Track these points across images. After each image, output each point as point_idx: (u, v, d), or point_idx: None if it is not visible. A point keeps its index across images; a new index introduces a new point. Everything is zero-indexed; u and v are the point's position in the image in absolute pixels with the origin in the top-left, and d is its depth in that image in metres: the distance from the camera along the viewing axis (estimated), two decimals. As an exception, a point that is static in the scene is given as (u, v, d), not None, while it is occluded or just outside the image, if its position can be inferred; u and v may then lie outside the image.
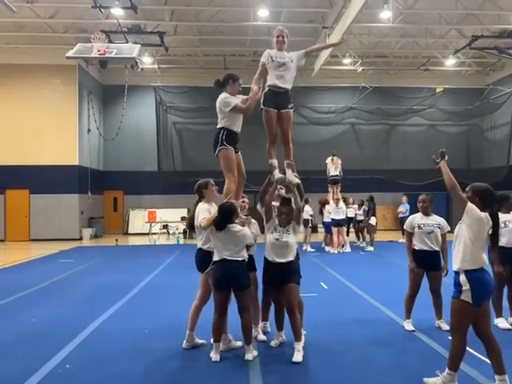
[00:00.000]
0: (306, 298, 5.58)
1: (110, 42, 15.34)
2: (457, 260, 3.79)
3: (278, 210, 4.92)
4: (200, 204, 4.89)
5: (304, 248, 13.69)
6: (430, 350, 4.85)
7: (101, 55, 14.21)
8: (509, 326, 5.58)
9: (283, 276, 4.74)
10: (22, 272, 10.84)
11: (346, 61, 20.50)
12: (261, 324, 5.37)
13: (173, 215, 20.34)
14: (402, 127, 22.92)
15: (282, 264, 4.77)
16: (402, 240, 14.56)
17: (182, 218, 19.27)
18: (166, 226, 20.45)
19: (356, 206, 15.05)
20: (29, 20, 15.97)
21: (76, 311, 6.78)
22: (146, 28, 16.48)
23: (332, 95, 22.25)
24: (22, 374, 4.25)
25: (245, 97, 5.12)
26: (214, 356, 4.61)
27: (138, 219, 21.58)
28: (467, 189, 3.89)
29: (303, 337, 4.90)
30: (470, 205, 3.72)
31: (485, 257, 3.79)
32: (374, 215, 14.66)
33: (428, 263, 5.55)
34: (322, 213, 14.59)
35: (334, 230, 13.79)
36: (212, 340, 4.76)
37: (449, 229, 5.66)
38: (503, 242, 5.49)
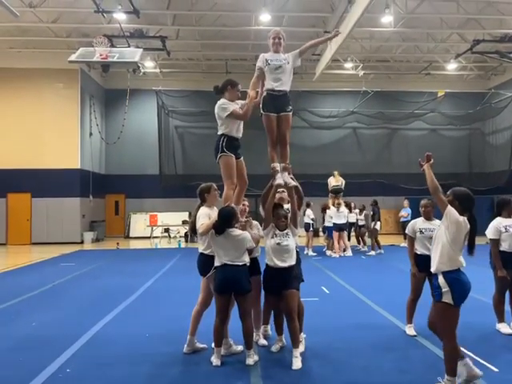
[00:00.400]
0: (307, 302, 5.57)
1: (113, 46, 15.45)
2: (434, 262, 3.89)
3: (276, 213, 4.92)
4: (201, 209, 4.88)
5: (305, 252, 13.68)
6: (431, 355, 4.82)
7: (103, 59, 14.30)
8: (511, 331, 5.55)
9: (283, 282, 4.73)
10: (23, 275, 10.82)
11: (348, 65, 20.50)
12: (262, 328, 5.35)
13: (174, 219, 20.36)
14: (403, 131, 22.93)
15: (283, 269, 4.76)
16: (404, 244, 14.55)
17: (184, 222, 19.28)
18: (167, 230, 20.48)
19: (357, 211, 15.04)
20: (31, 24, 16.06)
21: (77, 315, 6.78)
22: (148, 32, 16.53)
23: (333, 99, 22.31)
24: (22, 378, 4.25)
25: (244, 102, 5.12)
26: (215, 360, 4.61)
27: (139, 223, 21.60)
28: (448, 192, 4.01)
29: (303, 341, 4.89)
30: (449, 208, 3.82)
31: (462, 259, 3.86)
32: (379, 220, 14.65)
33: (429, 268, 5.51)
34: (323, 218, 14.61)
35: (335, 234, 13.79)
36: (213, 344, 4.76)
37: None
38: (505, 246, 5.48)
